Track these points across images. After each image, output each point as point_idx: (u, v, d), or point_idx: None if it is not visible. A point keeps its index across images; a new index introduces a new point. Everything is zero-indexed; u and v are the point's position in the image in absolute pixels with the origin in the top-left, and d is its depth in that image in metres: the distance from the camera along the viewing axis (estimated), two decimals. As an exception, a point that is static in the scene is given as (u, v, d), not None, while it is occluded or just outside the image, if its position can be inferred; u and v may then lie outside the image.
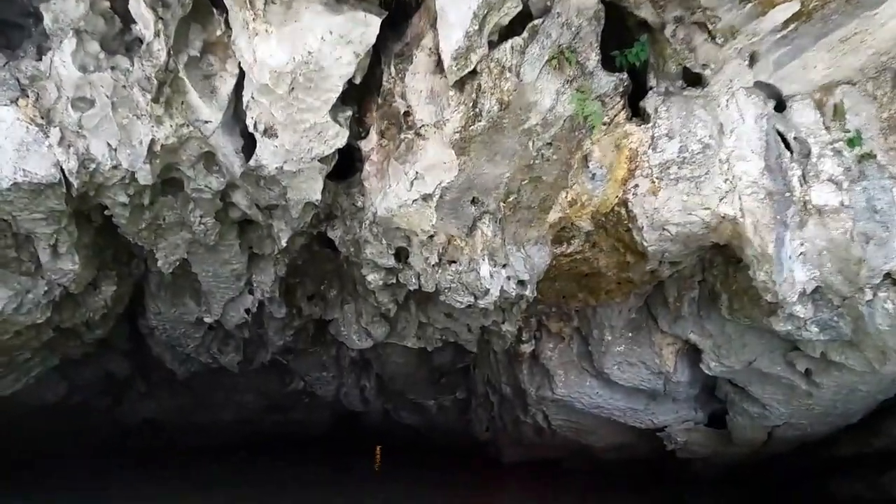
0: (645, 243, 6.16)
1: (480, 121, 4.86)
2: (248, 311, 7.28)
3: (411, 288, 6.38)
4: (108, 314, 7.25)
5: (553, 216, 5.80)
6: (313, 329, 8.76)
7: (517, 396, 9.21)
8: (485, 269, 5.86)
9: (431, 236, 5.93)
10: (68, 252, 5.79)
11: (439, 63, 4.79)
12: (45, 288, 6.04)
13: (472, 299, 6.09)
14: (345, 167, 6.17)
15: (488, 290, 5.94)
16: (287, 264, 6.89)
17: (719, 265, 6.72)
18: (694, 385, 8.04)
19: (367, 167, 5.85)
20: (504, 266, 5.95)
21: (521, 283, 6.07)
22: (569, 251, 6.52)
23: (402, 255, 6.28)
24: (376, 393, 11.67)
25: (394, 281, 6.49)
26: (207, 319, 7.44)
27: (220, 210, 6.04)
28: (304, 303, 7.79)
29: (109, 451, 13.42)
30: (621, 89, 5.28)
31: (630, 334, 7.74)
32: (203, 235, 6.14)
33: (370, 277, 6.44)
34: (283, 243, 6.14)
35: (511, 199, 5.56)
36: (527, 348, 8.32)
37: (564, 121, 5.07)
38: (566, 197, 5.72)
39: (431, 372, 10.62)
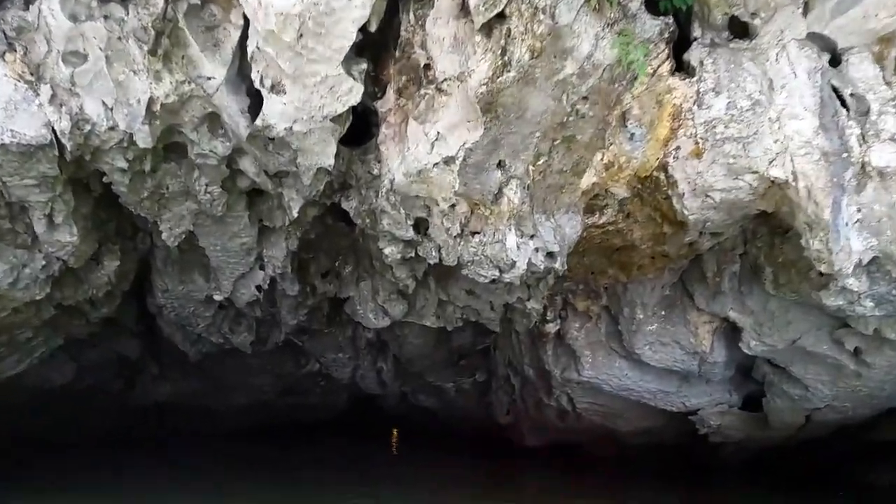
0: (685, 212, 5.63)
1: (510, 71, 4.34)
2: (259, 288, 6.84)
3: (431, 262, 5.89)
4: (112, 291, 6.85)
5: (586, 181, 5.28)
6: (328, 308, 8.32)
7: (540, 378, 8.73)
8: (511, 239, 5.36)
9: (453, 205, 5.43)
10: (65, 223, 5.36)
11: (464, 6, 4.27)
12: (44, 262, 5.63)
13: (496, 273, 5.59)
14: (360, 132, 5.68)
15: (514, 262, 5.43)
16: (299, 238, 6.42)
17: (764, 236, 6.18)
18: (729, 366, 7.51)
19: (383, 130, 5.35)
20: (532, 237, 5.45)
21: (550, 255, 5.56)
22: (601, 222, 6.01)
23: (421, 226, 5.80)
24: (393, 375, 11.24)
25: (412, 254, 6.01)
26: (217, 297, 7.01)
27: (227, 178, 5.58)
28: (318, 280, 7.33)
29: (122, 435, 13.14)
30: (666, 35, 4.73)
31: (663, 312, 7.22)
32: (209, 206, 5.69)
33: (387, 251, 5.96)
34: (295, 214, 5.67)
35: (541, 161, 5.04)
36: (552, 328, 7.82)
37: (603, 70, 4.53)
38: (602, 159, 5.19)
39: (450, 353, 10.16)
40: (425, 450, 13.59)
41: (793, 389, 7.12)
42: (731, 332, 7.21)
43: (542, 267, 5.54)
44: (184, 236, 6.05)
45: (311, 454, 13.21)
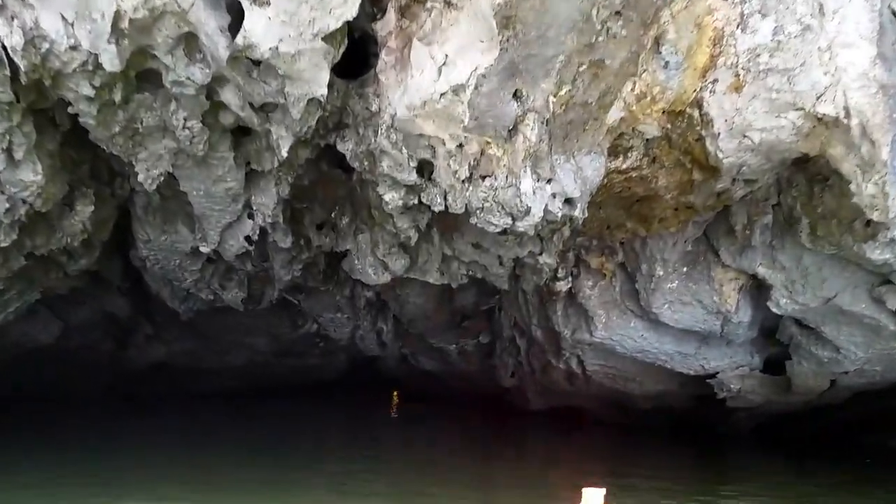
0: (719, 154, 5.00)
1: (531, -23, 3.68)
2: (248, 239, 6.22)
3: (436, 209, 5.27)
4: (90, 241, 6.24)
5: (613, 116, 4.62)
6: (324, 264, 7.73)
7: (549, 340, 8.19)
8: (526, 183, 4.73)
9: (461, 145, 4.79)
10: (27, 159, 4.71)
11: None
12: (7, 205, 5.00)
13: (508, 221, 4.98)
14: (356, 64, 5.02)
15: (529, 209, 4.82)
16: (291, 184, 5.79)
17: (801, 185, 5.55)
18: (753, 327, 6.96)
19: (383, 57, 4.67)
20: (549, 181, 4.82)
21: (569, 201, 4.95)
22: (623, 167, 5.38)
23: (425, 170, 5.16)
24: (393, 336, 10.73)
25: (415, 201, 5.39)
26: (204, 249, 6.40)
27: (208, 112, 4.91)
28: (313, 232, 6.72)
29: (116, 397, 12.71)
30: (713, -60, 4.06)
31: (685, 269, 6.64)
32: (189, 144, 5.04)
33: (388, 197, 5.34)
34: (284, 153, 5.02)
35: (563, 92, 4.38)
36: (562, 286, 7.24)
37: (640, -22, 3.87)
38: (632, 89, 4.53)
39: (453, 314, 9.62)
40: (426, 413, 13.17)
41: (822, 351, 6.58)
42: (756, 291, 6.65)
43: (559, 215, 4.93)
44: (162, 179, 5.41)
45: (309, 415, 12.79)
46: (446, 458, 8.17)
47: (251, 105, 4.79)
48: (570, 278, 7.21)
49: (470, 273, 6.90)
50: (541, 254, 6.06)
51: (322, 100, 4.59)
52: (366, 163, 5.28)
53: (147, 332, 11.69)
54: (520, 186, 4.74)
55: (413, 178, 5.09)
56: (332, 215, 6.58)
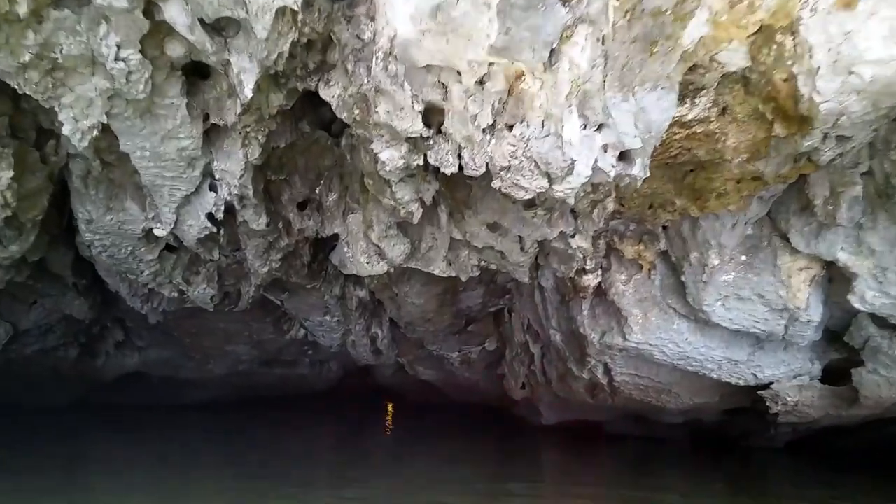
0: (816, 97, 3.71)
1: None
2: (212, 217, 4.89)
3: (447, 171, 3.97)
4: (17, 220, 4.90)
5: (692, 35, 3.32)
6: (309, 256, 6.39)
7: (571, 345, 6.86)
8: (571, 128, 3.44)
9: (482, 81, 3.51)
10: None
11: None
12: None
13: (543, 184, 3.68)
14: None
15: (573, 164, 3.52)
16: (262, 145, 4.48)
17: (905, 146, 4.30)
18: (820, 327, 5.67)
19: (380, -42, 3.41)
20: (600, 127, 3.52)
21: (626, 156, 3.65)
22: (689, 117, 4.08)
23: (433, 119, 3.87)
24: (389, 343, 9.37)
25: (419, 162, 4.08)
26: (159, 231, 5.07)
27: (149, 39, 3.61)
28: (293, 212, 5.40)
29: (85, 409, 11.31)
30: None
31: (744, 258, 5.34)
32: (127, 83, 3.73)
33: (385, 156, 4.02)
34: (249, 92, 3.70)
35: (629, -7, 3.11)
36: (591, 281, 5.93)
37: None
38: (723, -9, 3.26)
39: (457, 316, 8.29)
40: (424, 428, 11.79)
41: (909, 357, 5.29)
42: (827, 284, 5.37)
43: (612, 174, 3.62)
44: (97, 133, 4.09)
45: (297, 429, 11.39)
46: (445, 481, 6.83)
47: (202, 23, 3.48)
48: (599, 271, 5.90)
49: (483, 263, 5.58)
50: (574, 235, 4.76)
51: (296, 9, 3.29)
52: (356, 112, 3.96)
53: (117, 338, 10.31)
54: (562, 133, 3.44)
55: (418, 127, 3.77)
56: (317, 191, 5.26)
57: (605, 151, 3.57)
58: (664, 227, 5.60)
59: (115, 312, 9.23)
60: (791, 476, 8.59)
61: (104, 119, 4.04)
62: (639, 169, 3.63)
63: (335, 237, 5.74)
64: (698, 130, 4.21)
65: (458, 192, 4.90)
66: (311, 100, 4.75)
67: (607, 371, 6.72)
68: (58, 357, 9.63)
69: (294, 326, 9.49)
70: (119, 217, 5.06)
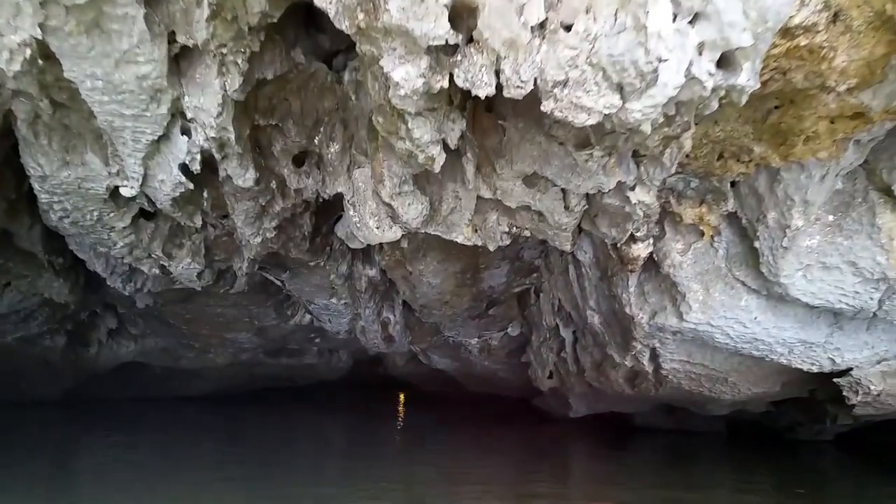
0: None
1: None
2: (185, 169, 3.91)
3: (481, 93, 2.95)
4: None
5: None
6: (310, 226, 5.41)
7: (612, 328, 5.84)
8: (659, 15, 2.42)
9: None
10: None
11: None
12: None
13: (614, 101, 2.66)
14: None
15: (657, 68, 2.51)
16: (244, 74, 3.48)
17: None
18: (918, 303, 4.63)
19: None
20: (695, 17, 2.51)
21: (728, 60, 2.63)
22: (794, 21, 3.05)
23: (462, 25, 2.87)
24: (402, 329, 8.40)
25: (443, 84, 3.06)
26: (127, 191, 4.09)
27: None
28: (288, 168, 4.39)
29: (78, 402, 10.43)
30: None
31: (831, 218, 4.30)
32: (59, -22, 2.76)
33: (399, 75, 3.00)
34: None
35: None
36: (641, 250, 4.89)
37: None
38: None
39: (477, 298, 7.29)
40: (438, 423, 10.82)
41: None
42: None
43: (709, 85, 2.60)
44: (30, 52, 3.11)
45: (303, 422, 10.46)
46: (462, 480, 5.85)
47: None
48: (651, 239, 4.88)
49: (515, 229, 4.56)
50: (634, 187, 3.74)
51: None
52: (360, 17, 2.94)
53: (109, 325, 9.38)
54: (646, 24, 2.42)
55: (443, 30, 2.76)
56: (316, 141, 4.25)
57: (701, 54, 2.54)
58: (732, 184, 4.56)
59: (105, 297, 8.29)
60: (848, 472, 7.61)
61: (38, 34, 3.05)
62: (747, 77, 2.59)
63: (340, 205, 4.74)
64: (802, 44, 3.17)
65: (489, 138, 3.89)
66: (306, 21, 3.75)
67: (654, 357, 5.71)
68: (44, 346, 8.71)
69: (298, 311, 8.52)
70: (78, 173, 4.07)
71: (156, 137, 3.66)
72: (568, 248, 4.50)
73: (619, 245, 4.92)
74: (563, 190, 4.00)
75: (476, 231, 4.54)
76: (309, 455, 7.18)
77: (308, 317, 8.64)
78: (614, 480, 6.14)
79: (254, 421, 10.15)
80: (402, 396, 14.07)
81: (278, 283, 7.12)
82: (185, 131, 3.68)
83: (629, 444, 8.34)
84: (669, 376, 5.85)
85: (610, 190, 3.77)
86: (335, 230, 5.90)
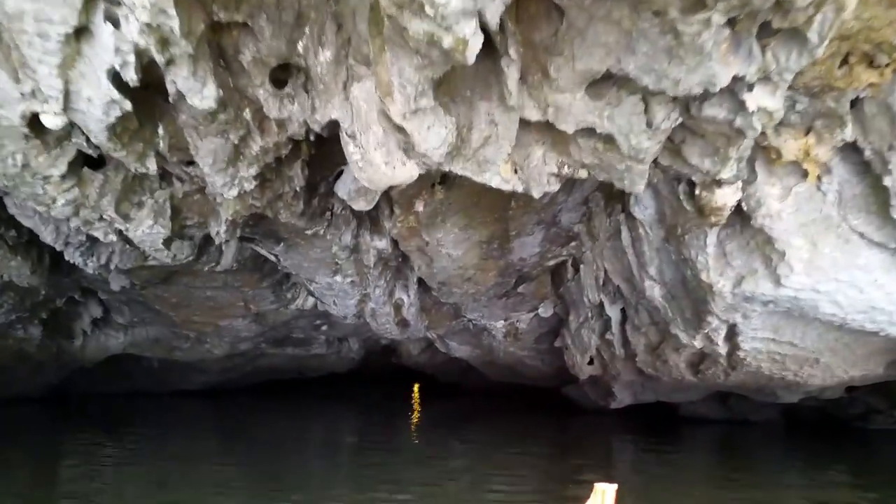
0: None
1: None
2: (119, 81, 2.79)
3: None
4: None
5: None
6: (301, 178, 4.25)
7: (680, 300, 4.66)
8: None
9: None
10: None
11: None
12: None
13: None
14: None
15: None
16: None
17: None
18: None
19: None
20: None
21: None
22: None
23: None
24: (417, 312, 7.26)
25: None
26: (49, 119, 2.97)
27: None
28: (265, 86, 3.23)
29: (63, 399, 9.42)
30: None
31: None
32: None
33: None
34: None
35: None
36: (727, 196, 3.71)
37: None
38: None
39: (505, 273, 6.14)
40: (456, 417, 9.71)
41: None
42: None
43: None
44: None
45: (313, 413, 9.41)
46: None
47: None
48: (739, 183, 3.71)
49: (568, 168, 3.39)
50: (753, 87, 2.55)
51: None
52: None
53: (93, 314, 8.34)
54: None
55: None
56: (300, 47, 3.09)
57: None
58: (853, 105, 3.38)
59: (81, 282, 7.23)
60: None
61: None
62: None
63: (341, 155, 3.51)
64: None
65: (539, 29, 2.72)
66: None
67: (732, 335, 4.53)
68: (16, 337, 7.69)
69: (300, 293, 7.40)
70: (-20, 93, 2.95)
71: (70, 30, 2.52)
72: (640, 187, 3.31)
73: (699, 192, 3.76)
74: (644, 100, 2.82)
75: (516, 171, 3.38)
76: (321, 457, 6.09)
77: (311, 300, 7.52)
78: (677, 479, 5.00)
79: (254, 419, 9.07)
80: (416, 388, 12.99)
81: (272, 258, 6.01)
82: (111, 18, 2.54)
83: (679, 437, 7.18)
84: (747, 358, 4.68)
85: (720, 90, 2.58)
86: (336, 190, 4.77)
